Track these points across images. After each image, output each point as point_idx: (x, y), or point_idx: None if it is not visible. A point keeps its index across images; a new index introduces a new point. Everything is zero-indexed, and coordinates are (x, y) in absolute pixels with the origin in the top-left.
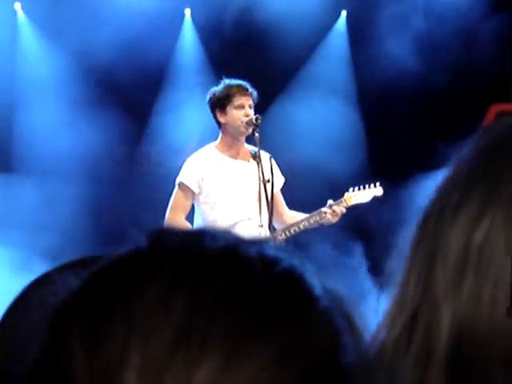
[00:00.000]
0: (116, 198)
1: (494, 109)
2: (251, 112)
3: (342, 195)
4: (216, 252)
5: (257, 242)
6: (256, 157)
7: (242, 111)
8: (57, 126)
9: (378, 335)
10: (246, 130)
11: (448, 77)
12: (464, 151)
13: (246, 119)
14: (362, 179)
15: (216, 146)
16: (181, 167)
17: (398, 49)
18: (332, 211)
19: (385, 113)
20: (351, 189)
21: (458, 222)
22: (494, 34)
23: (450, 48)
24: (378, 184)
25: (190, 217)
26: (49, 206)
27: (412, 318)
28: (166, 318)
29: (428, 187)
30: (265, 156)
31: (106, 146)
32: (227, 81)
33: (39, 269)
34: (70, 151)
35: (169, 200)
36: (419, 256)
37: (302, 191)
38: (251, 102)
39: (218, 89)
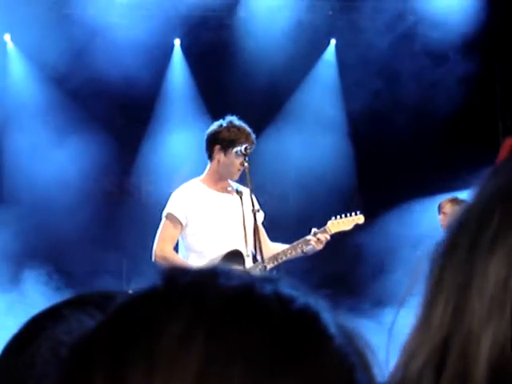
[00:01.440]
0: (105, 228)
1: (510, 141)
2: (247, 162)
3: (325, 223)
4: (232, 292)
5: (271, 280)
6: (238, 192)
7: (242, 159)
8: (45, 156)
9: (399, 365)
10: (237, 175)
11: (440, 107)
12: (489, 180)
13: (235, 149)
14: (351, 208)
15: (201, 180)
16: (168, 199)
17: (389, 79)
18: (317, 239)
19: (374, 142)
20: (333, 217)
21: (496, 252)
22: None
23: (441, 80)
24: (358, 212)
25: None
26: (38, 234)
27: (441, 345)
28: (186, 361)
29: (419, 213)
30: (245, 191)
31: (96, 175)
32: (235, 121)
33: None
34: (60, 180)
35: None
36: (448, 283)
37: (292, 220)
38: (251, 150)
39: (224, 126)
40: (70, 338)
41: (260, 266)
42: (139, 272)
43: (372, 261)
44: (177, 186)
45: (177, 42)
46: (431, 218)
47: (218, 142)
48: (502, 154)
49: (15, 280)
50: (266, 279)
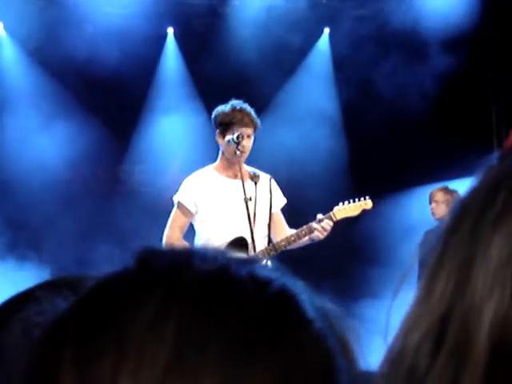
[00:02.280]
0: (97, 216)
1: None
2: (248, 143)
3: (331, 209)
4: (206, 274)
5: (247, 262)
6: (254, 177)
7: (233, 147)
8: (36, 142)
9: (398, 337)
10: (234, 153)
11: (433, 97)
12: (495, 164)
13: (227, 137)
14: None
15: (214, 167)
16: (169, 184)
17: (384, 67)
18: (321, 227)
19: (367, 132)
20: (341, 203)
21: (501, 229)
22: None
23: (433, 69)
24: (367, 197)
25: (191, 236)
26: (27, 221)
27: (441, 319)
28: (157, 343)
29: (412, 203)
30: (264, 177)
31: (88, 163)
32: (235, 103)
33: None
34: (51, 168)
35: (152, 218)
36: (451, 259)
37: (290, 212)
38: (251, 131)
39: (224, 110)
40: (43, 319)
41: (262, 254)
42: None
43: (364, 250)
44: (170, 174)
45: (170, 30)
46: (424, 208)
47: (217, 127)
48: (509, 142)
49: None
50: (242, 261)
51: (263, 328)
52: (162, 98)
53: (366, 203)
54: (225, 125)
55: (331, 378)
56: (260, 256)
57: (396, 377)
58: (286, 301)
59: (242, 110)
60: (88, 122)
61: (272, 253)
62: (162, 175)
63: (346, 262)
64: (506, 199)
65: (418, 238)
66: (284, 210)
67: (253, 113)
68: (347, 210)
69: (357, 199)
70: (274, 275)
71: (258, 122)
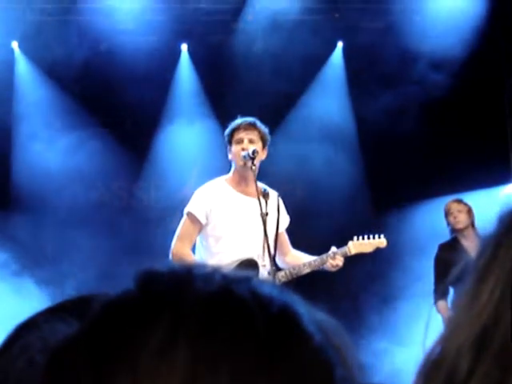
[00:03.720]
0: (114, 233)
1: None
2: (250, 146)
3: (346, 243)
4: (208, 296)
5: (246, 280)
6: (265, 195)
7: (240, 145)
8: (54, 160)
9: (439, 340)
10: (244, 164)
11: (446, 112)
12: None
13: (243, 153)
14: (365, 212)
15: (226, 180)
16: (181, 201)
17: (398, 80)
18: (336, 264)
19: (382, 144)
20: (355, 237)
21: None
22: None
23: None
24: (382, 236)
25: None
26: (44, 239)
27: (486, 325)
28: (169, 369)
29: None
30: (273, 194)
31: (105, 180)
32: (240, 118)
33: None
34: (68, 185)
35: (167, 235)
36: (499, 266)
37: (305, 229)
38: (254, 136)
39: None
40: (44, 344)
41: (271, 278)
42: None
43: (375, 261)
44: (186, 190)
45: (184, 47)
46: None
47: (227, 142)
48: None
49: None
50: (241, 279)
51: (270, 347)
52: (176, 114)
53: (381, 242)
54: (229, 135)
55: None
56: (270, 278)
57: (434, 380)
58: (288, 317)
59: (244, 119)
60: (103, 139)
61: (283, 279)
62: (178, 191)
63: (359, 271)
64: None
65: (428, 250)
66: (298, 226)
67: (258, 123)
68: (362, 246)
69: (371, 236)
70: (273, 292)
71: (265, 131)
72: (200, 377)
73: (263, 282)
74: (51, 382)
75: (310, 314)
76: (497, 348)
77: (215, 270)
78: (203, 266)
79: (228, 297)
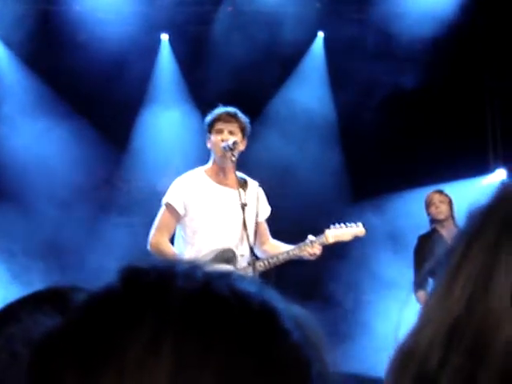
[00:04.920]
0: (94, 224)
1: None
2: (230, 137)
3: (322, 230)
4: (190, 293)
5: (226, 276)
6: (244, 185)
7: (220, 136)
8: (32, 149)
9: (413, 332)
10: (223, 154)
11: (428, 102)
12: None
13: (222, 144)
14: (343, 202)
15: (205, 171)
16: (161, 191)
17: (378, 71)
18: (313, 253)
19: (363, 136)
20: (332, 226)
21: None
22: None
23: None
24: (360, 224)
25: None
26: (23, 229)
27: (458, 319)
28: (156, 367)
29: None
30: (252, 184)
31: (86, 171)
32: (219, 108)
33: None
34: (46, 174)
35: (149, 224)
36: (470, 263)
37: (282, 219)
38: (234, 127)
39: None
40: (26, 335)
41: (247, 269)
42: None
43: (353, 255)
44: (167, 181)
45: (164, 36)
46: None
47: (206, 132)
48: None
49: None
50: (221, 276)
51: (251, 343)
52: (156, 104)
53: (361, 231)
54: (208, 125)
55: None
56: (248, 270)
57: (406, 371)
58: (268, 314)
59: (225, 109)
60: (83, 130)
61: (261, 269)
62: (159, 180)
63: (333, 266)
64: None
65: (409, 240)
66: (278, 217)
67: (239, 113)
68: (340, 235)
69: (349, 224)
70: (252, 288)
71: (245, 121)
72: (185, 374)
73: (243, 277)
74: (36, 379)
75: (288, 310)
76: (468, 341)
77: (196, 267)
78: (185, 262)
79: (209, 294)
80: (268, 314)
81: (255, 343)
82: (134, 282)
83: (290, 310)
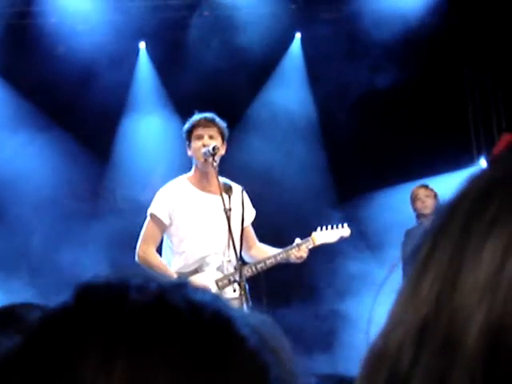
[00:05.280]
0: (82, 235)
1: (507, 137)
2: (211, 142)
3: (310, 234)
4: (143, 307)
5: (181, 286)
6: (228, 190)
7: (201, 141)
8: (14, 164)
9: (381, 334)
10: (205, 160)
11: (408, 97)
12: (486, 169)
13: (203, 149)
14: (328, 202)
15: (188, 178)
16: (147, 201)
17: (357, 69)
18: (299, 256)
19: (343, 134)
20: (319, 228)
21: (493, 235)
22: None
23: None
24: (345, 225)
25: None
26: (13, 243)
27: (427, 318)
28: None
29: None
30: (237, 188)
31: (70, 183)
32: (196, 115)
33: None
34: (31, 190)
35: (136, 233)
36: (437, 260)
37: (268, 222)
38: (213, 132)
39: (187, 123)
40: None
41: (235, 274)
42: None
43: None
44: (152, 189)
45: (142, 44)
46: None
47: (185, 140)
48: (498, 148)
49: None
50: (175, 286)
51: (203, 353)
52: (137, 113)
53: (345, 231)
54: (188, 132)
55: None
56: (236, 274)
57: (377, 373)
58: (221, 323)
59: (202, 115)
60: (64, 142)
61: (249, 274)
62: (143, 190)
63: (324, 261)
64: (501, 204)
65: (395, 236)
66: (261, 219)
67: (217, 118)
68: (325, 236)
69: (335, 226)
70: (207, 297)
71: (223, 125)
72: None
73: (197, 288)
74: None
75: (244, 318)
76: (438, 340)
77: (150, 279)
78: (139, 275)
79: (162, 307)
80: (221, 322)
81: (209, 353)
82: (87, 298)
83: (247, 318)
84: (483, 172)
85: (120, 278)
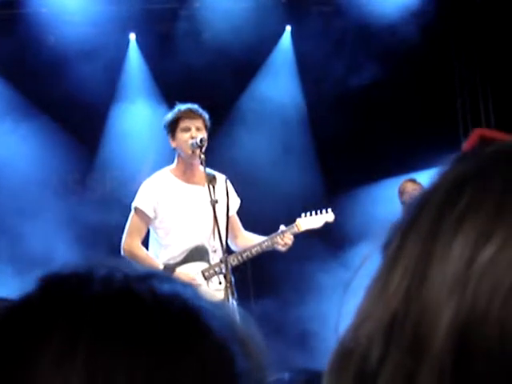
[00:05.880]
0: (71, 226)
1: (478, 132)
2: (198, 134)
3: (294, 220)
4: (108, 297)
5: (147, 277)
6: (212, 180)
7: (188, 133)
8: (2, 153)
9: (350, 328)
10: (192, 152)
11: (396, 92)
12: (456, 163)
13: (191, 141)
14: (316, 195)
15: (171, 170)
16: (136, 191)
17: (347, 63)
18: (284, 243)
19: (333, 127)
20: (303, 214)
21: (463, 229)
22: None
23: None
24: (329, 210)
25: (146, 240)
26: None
27: (396, 313)
28: (67, 377)
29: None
30: (220, 178)
31: (59, 174)
32: (179, 106)
33: None
34: (22, 180)
35: (125, 225)
36: (406, 254)
37: (256, 214)
38: (199, 124)
39: (169, 114)
40: None
41: (220, 265)
42: None
43: (332, 243)
44: (142, 180)
45: (132, 36)
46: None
47: (168, 131)
48: (469, 143)
49: None
50: (141, 277)
51: (166, 343)
52: (126, 103)
53: (329, 215)
54: (172, 123)
55: (231, 378)
56: (222, 265)
57: (345, 369)
58: (188, 314)
59: (187, 107)
60: (53, 131)
61: (235, 263)
62: (132, 181)
63: (314, 253)
64: (471, 199)
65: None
66: (249, 210)
67: (199, 109)
68: (310, 222)
69: (319, 211)
70: (174, 289)
71: (207, 116)
72: (99, 380)
73: (166, 278)
74: None
75: (215, 310)
76: (407, 336)
77: (116, 270)
78: (105, 265)
79: (127, 298)
80: (187, 313)
81: (171, 344)
82: (51, 289)
83: (217, 309)
84: (454, 167)
85: (87, 267)
